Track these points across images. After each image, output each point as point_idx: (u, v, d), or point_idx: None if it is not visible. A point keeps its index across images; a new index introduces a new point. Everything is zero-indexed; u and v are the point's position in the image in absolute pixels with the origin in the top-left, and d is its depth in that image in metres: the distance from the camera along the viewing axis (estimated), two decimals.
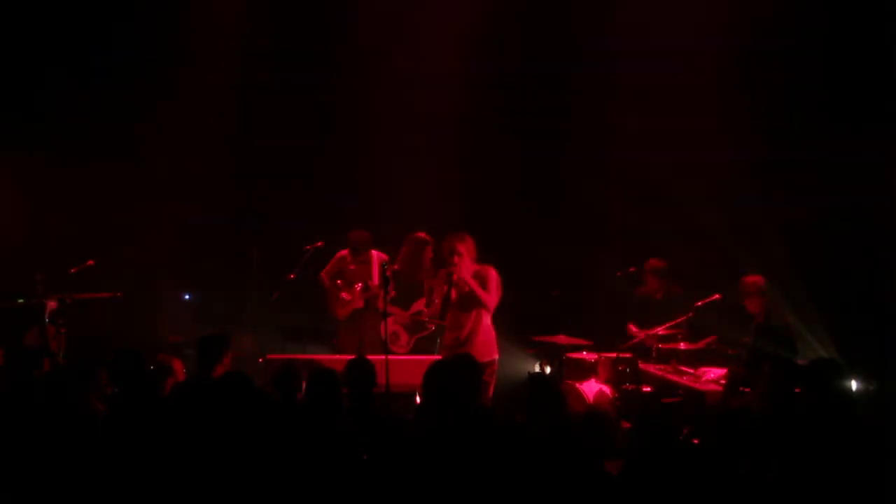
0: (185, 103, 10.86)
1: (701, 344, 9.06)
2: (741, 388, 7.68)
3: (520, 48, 10.80)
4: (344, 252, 9.53)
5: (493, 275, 8.01)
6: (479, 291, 7.94)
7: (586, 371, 9.05)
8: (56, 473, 5.34)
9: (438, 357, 7.76)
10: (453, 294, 7.97)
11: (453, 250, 7.95)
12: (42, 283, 9.50)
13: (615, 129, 10.53)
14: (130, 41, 10.79)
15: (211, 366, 6.54)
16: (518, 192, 11.01)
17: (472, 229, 8.28)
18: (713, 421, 5.66)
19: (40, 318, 9.33)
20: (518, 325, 9.53)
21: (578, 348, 9.24)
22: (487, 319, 8.06)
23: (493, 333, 8.11)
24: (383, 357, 7.32)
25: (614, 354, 8.83)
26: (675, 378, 8.69)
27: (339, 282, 9.45)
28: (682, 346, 8.97)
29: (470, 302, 8.00)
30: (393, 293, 8.87)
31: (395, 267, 9.14)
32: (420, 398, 6.43)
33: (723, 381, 8.26)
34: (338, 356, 8.33)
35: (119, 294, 9.93)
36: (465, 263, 7.97)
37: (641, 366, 8.87)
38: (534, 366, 9.61)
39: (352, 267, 9.44)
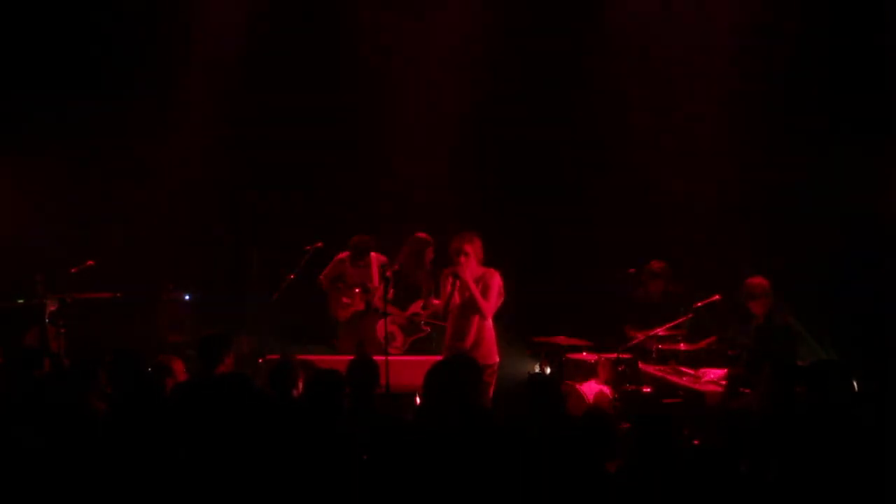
0: (186, 105, 10.89)
1: (701, 345, 9.04)
2: (741, 389, 7.67)
3: (520, 48, 10.80)
4: (343, 255, 9.53)
5: (495, 282, 7.89)
6: (477, 297, 7.83)
7: (586, 372, 9.02)
8: (56, 473, 5.33)
9: (439, 358, 7.75)
10: (456, 297, 7.91)
11: (460, 250, 7.85)
12: (42, 283, 9.52)
13: (615, 129, 10.55)
14: (131, 43, 10.81)
15: (212, 366, 6.49)
16: (518, 191, 11.00)
17: (472, 229, 8.27)
18: (713, 421, 5.66)
19: (40, 318, 9.34)
20: (518, 325, 9.54)
21: (578, 349, 9.21)
22: (489, 322, 8.02)
23: (494, 337, 8.08)
24: (383, 358, 7.29)
25: (614, 355, 8.80)
26: (675, 379, 8.68)
27: (339, 285, 9.45)
28: (682, 346, 8.95)
29: (471, 307, 7.95)
30: (392, 294, 8.87)
31: (395, 268, 9.13)
32: (420, 399, 6.42)
33: (723, 382, 8.25)
34: (337, 356, 8.33)
35: (119, 294, 9.94)
36: (471, 265, 7.86)
37: (641, 366, 8.85)
38: (534, 366, 9.59)
39: (351, 270, 9.45)
